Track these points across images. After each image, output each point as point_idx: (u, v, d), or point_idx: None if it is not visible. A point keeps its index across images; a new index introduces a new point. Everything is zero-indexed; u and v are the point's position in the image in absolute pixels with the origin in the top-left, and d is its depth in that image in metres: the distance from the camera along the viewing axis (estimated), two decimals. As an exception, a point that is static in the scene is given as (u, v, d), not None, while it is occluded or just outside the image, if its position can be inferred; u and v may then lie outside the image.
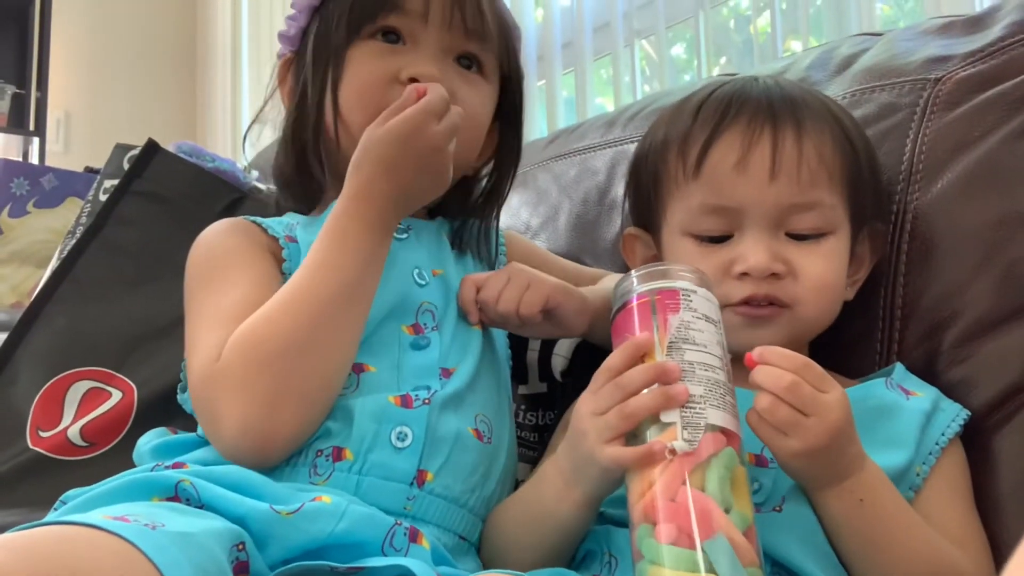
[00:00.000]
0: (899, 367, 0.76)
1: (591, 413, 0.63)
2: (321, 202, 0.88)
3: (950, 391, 0.74)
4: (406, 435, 0.73)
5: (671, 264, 0.66)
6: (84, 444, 0.93)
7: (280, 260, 0.80)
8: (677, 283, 0.64)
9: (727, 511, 0.56)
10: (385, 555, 0.66)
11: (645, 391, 0.61)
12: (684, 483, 0.57)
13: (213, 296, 0.77)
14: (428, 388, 0.75)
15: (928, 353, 0.77)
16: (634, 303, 0.65)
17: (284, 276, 0.79)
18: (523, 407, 0.92)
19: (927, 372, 0.76)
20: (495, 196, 0.92)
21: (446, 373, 0.78)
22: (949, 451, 0.71)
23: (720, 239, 0.76)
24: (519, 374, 0.91)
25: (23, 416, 0.94)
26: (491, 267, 0.91)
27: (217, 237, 0.83)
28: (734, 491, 0.58)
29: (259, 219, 0.84)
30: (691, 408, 0.59)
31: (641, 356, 0.62)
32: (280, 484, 0.69)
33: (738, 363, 0.73)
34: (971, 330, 0.75)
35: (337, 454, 0.72)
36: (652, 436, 0.60)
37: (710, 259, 0.75)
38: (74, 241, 1.04)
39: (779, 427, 0.62)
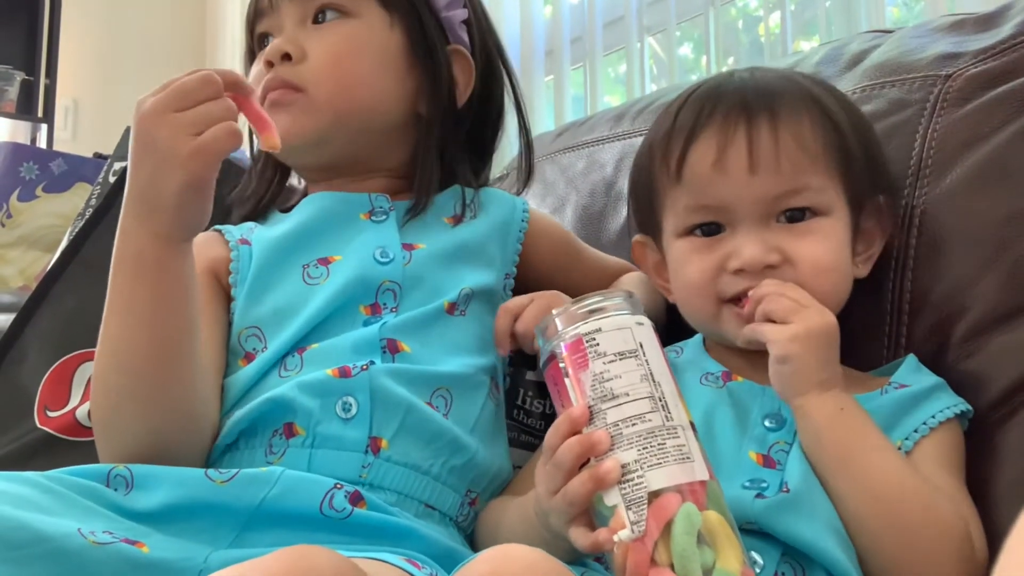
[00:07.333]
0: (911, 359, 0.76)
1: (547, 493, 0.62)
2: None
3: (957, 385, 0.74)
4: (351, 405, 0.73)
5: (569, 305, 0.62)
6: (91, 426, 0.93)
7: (228, 272, 0.82)
8: (578, 328, 0.60)
9: (709, 573, 0.53)
10: (324, 515, 0.67)
11: (582, 472, 0.58)
12: (651, 564, 0.54)
13: None
14: (367, 360, 0.75)
15: (936, 348, 0.77)
16: (548, 369, 0.62)
17: (233, 285, 0.81)
18: (530, 394, 0.92)
19: (934, 366, 0.76)
20: (427, 138, 0.89)
21: (393, 347, 0.77)
22: (940, 432, 0.71)
23: (713, 232, 0.76)
24: (528, 360, 0.91)
25: (31, 396, 0.94)
26: (504, 232, 0.90)
27: None
28: (713, 543, 0.54)
29: (224, 227, 0.86)
30: (629, 481, 0.56)
31: (575, 431, 0.59)
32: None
33: (749, 355, 0.74)
34: (979, 325, 0.75)
35: (289, 431, 0.73)
36: (606, 513, 0.57)
37: (705, 256, 0.75)
38: (83, 222, 1.05)
39: (781, 317, 0.69)
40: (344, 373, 0.74)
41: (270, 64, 0.85)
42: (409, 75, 0.88)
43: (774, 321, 0.69)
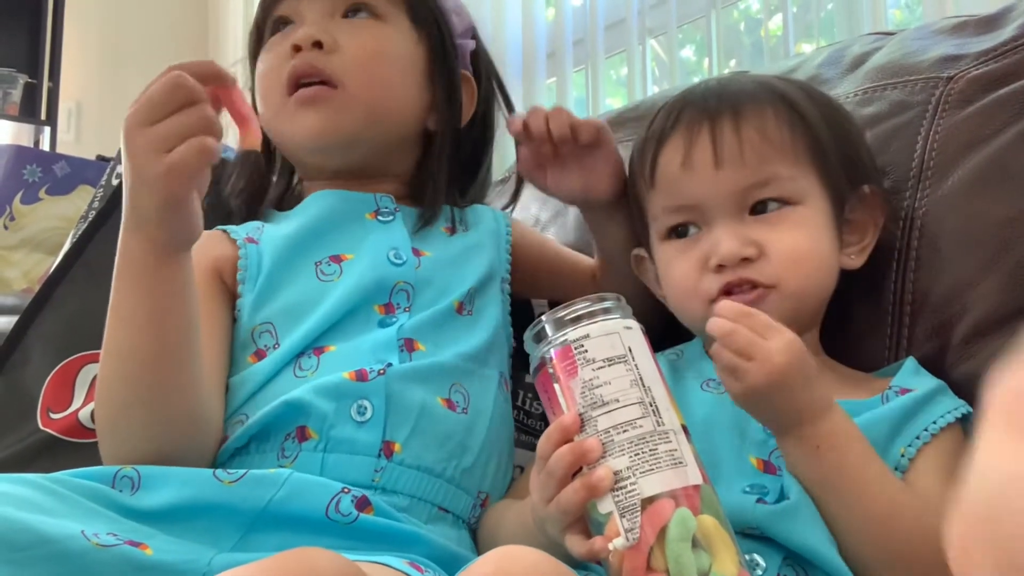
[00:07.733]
0: (910, 362, 0.76)
1: (541, 501, 0.61)
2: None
3: (958, 387, 0.74)
4: (366, 408, 0.73)
5: (557, 311, 0.61)
6: (94, 427, 0.93)
7: (235, 269, 0.82)
8: (566, 334, 0.59)
9: None
10: (329, 519, 0.67)
11: (575, 481, 0.57)
12: (647, 570, 0.54)
13: None
14: (383, 362, 0.75)
15: (937, 349, 0.77)
16: (538, 377, 0.61)
17: (241, 283, 0.81)
18: (530, 395, 0.92)
19: (935, 368, 0.76)
20: (440, 153, 0.90)
21: (410, 346, 0.78)
22: (942, 438, 0.70)
23: (690, 232, 0.77)
24: (525, 362, 0.92)
25: (34, 397, 0.95)
26: (498, 245, 0.92)
27: None
28: (708, 547, 0.54)
29: (228, 227, 0.86)
30: (622, 488, 0.55)
31: (566, 439, 0.59)
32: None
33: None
34: (979, 327, 0.75)
35: (301, 434, 0.73)
36: (601, 520, 0.56)
37: (687, 256, 0.76)
38: (86, 225, 1.05)
39: (725, 370, 0.64)
40: (361, 376, 0.74)
41: (296, 49, 0.84)
42: (426, 90, 0.90)
43: None
